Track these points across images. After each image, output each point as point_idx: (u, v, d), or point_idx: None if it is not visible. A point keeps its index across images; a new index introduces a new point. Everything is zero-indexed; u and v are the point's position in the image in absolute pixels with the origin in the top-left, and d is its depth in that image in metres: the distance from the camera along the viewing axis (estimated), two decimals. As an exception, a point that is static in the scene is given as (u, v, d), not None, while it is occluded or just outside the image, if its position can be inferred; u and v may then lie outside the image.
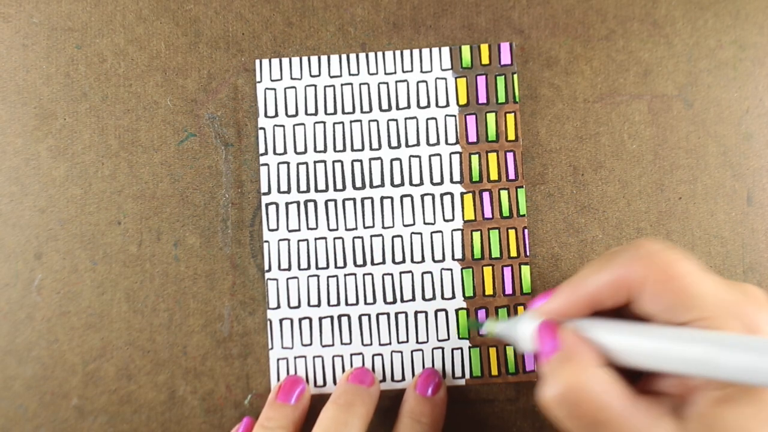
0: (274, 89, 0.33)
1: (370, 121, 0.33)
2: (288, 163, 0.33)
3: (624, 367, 0.24)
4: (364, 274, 0.33)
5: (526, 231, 0.33)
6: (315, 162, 0.33)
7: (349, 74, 0.33)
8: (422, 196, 0.33)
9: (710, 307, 0.22)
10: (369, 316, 0.33)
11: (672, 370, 0.23)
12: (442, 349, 0.33)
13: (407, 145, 0.33)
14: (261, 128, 0.33)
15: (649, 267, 0.23)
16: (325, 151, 0.33)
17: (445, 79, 0.33)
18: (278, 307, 0.33)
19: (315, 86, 0.33)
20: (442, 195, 0.33)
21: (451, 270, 0.33)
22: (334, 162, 0.33)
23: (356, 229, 0.33)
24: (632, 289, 0.24)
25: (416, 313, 0.33)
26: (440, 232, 0.33)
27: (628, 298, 0.24)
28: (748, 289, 0.23)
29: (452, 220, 0.33)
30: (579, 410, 0.23)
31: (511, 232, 0.33)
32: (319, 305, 0.33)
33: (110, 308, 0.33)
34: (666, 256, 0.23)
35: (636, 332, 0.24)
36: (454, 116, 0.33)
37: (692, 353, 0.22)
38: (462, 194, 0.33)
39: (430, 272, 0.33)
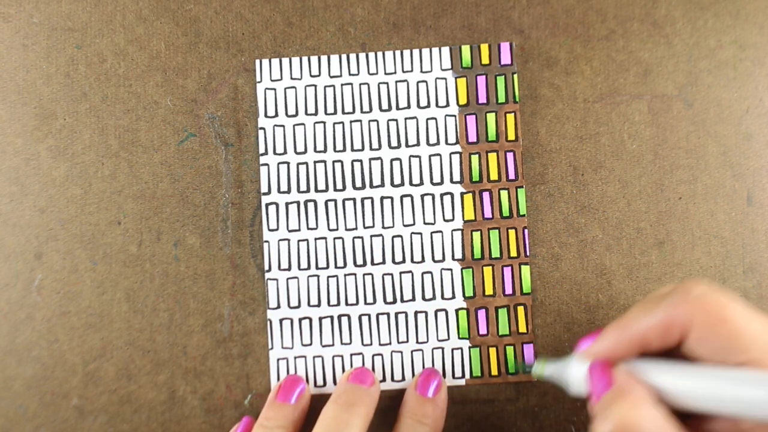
0: (274, 89, 0.33)
1: (370, 121, 0.33)
2: (288, 163, 0.33)
3: (676, 408, 0.24)
4: (364, 274, 0.33)
5: (526, 231, 0.33)
6: (315, 162, 0.33)
7: (349, 74, 0.33)
8: (422, 196, 0.33)
9: (761, 349, 0.23)
10: (369, 316, 0.33)
11: (725, 412, 0.23)
12: (442, 349, 0.33)
13: (407, 145, 0.33)
14: (261, 128, 0.33)
15: (698, 309, 0.24)
16: (325, 151, 0.33)
17: (445, 79, 0.33)
18: (278, 307, 0.33)
19: (315, 86, 0.33)
20: (442, 195, 0.33)
21: (451, 270, 0.33)
22: (334, 162, 0.33)
23: (356, 229, 0.33)
24: (681, 331, 0.24)
25: (416, 313, 0.33)
26: (440, 232, 0.33)
27: (677, 341, 0.24)
28: None
29: (452, 220, 0.33)
30: None
31: (511, 232, 0.33)
32: (319, 305, 0.33)
33: (110, 308, 0.33)
34: (715, 298, 0.24)
35: (688, 373, 0.24)
36: (454, 116, 0.33)
37: (745, 395, 0.22)
38: (462, 194, 0.33)
39: (430, 272, 0.33)
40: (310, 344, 0.33)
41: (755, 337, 0.23)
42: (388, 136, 0.33)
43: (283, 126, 0.33)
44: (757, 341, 0.23)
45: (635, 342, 0.25)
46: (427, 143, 0.33)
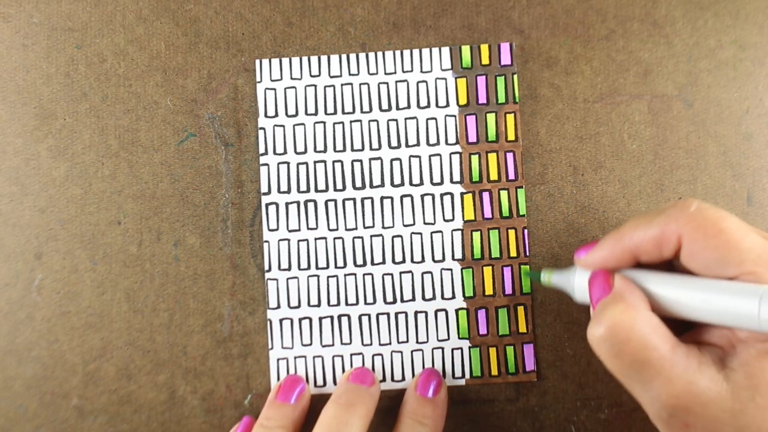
0: (274, 89, 0.33)
1: (370, 121, 0.33)
2: (288, 163, 0.33)
3: (671, 316, 0.25)
4: (364, 274, 0.33)
5: (525, 231, 0.33)
6: (315, 162, 0.33)
7: (349, 74, 0.33)
8: (422, 196, 0.33)
9: (757, 261, 0.23)
10: (369, 316, 0.33)
11: (719, 322, 0.23)
12: (442, 349, 0.33)
13: (407, 145, 0.33)
14: (261, 128, 0.33)
15: (694, 222, 0.24)
16: (325, 151, 0.33)
17: (445, 79, 0.33)
18: (278, 307, 0.33)
19: (315, 86, 0.33)
20: (442, 195, 0.33)
21: (451, 270, 0.33)
22: (334, 162, 0.33)
23: (356, 229, 0.33)
24: (676, 243, 0.24)
25: (416, 313, 0.33)
26: (440, 232, 0.33)
27: (672, 253, 0.25)
28: None
29: (452, 220, 0.33)
30: (624, 348, 0.23)
31: (511, 232, 0.33)
32: (319, 305, 0.33)
33: (110, 308, 0.33)
34: (712, 212, 0.24)
35: (684, 283, 0.24)
36: (454, 116, 0.33)
37: (740, 306, 0.22)
38: (462, 194, 0.33)
39: (430, 272, 0.33)
40: (310, 344, 0.33)
41: (749, 250, 0.23)
42: (388, 136, 0.33)
43: (283, 126, 0.33)
44: (751, 254, 0.23)
45: (630, 252, 0.26)
46: (427, 143, 0.33)
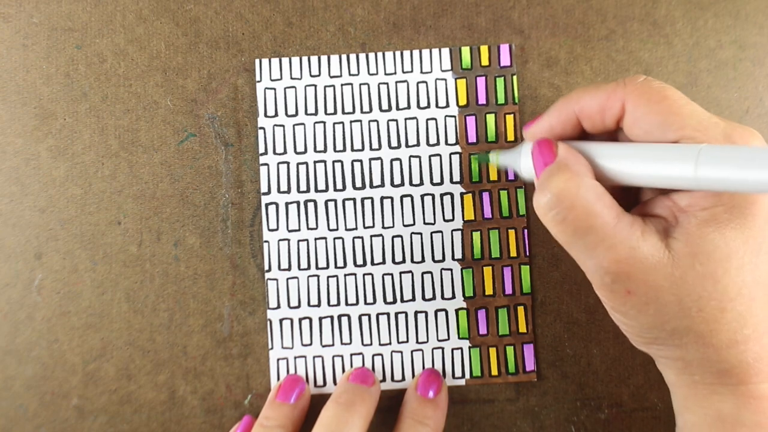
0: (274, 89, 0.33)
1: (370, 121, 0.33)
2: (288, 163, 0.33)
3: (615, 184, 0.25)
4: (364, 274, 0.33)
5: (525, 231, 0.33)
6: (315, 162, 0.33)
7: (349, 74, 0.33)
8: (422, 197, 0.33)
9: (696, 127, 0.23)
10: (369, 316, 0.33)
11: (659, 184, 0.24)
12: (442, 349, 0.33)
13: (407, 146, 0.33)
14: (261, 128, 0.33)
15: (639, 89, 0.24)
16: (325, 151, 0.33)
17: (445, 80, 0.33)
18: (278, 307, 0.33)
19: (315, 86, 0.33)
20: (442, 195, 0.33)
21: (451, 270, 0.33)
22: (334, 162, 0.33)
23: (356, 229, 0.33)
24: (621, 110, 0.25)
25: (416, 313, 0.33)
26: (440, 232, 0.33)
27: (614, 121, 0.25)
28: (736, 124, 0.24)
29: (452, 220, 0.33)
30: (569, 215, 0.24)
31: (511, 233, 0.33)
32: (319, 305, 0.33)
33: (110, 308, 0.33)
34: (658, 83, 0.25)
35: (626, 148, 0.25)
36: (454, 117, 0.33)
37: (678, 164, 0.23)
38: (462, 194, 0.33)
39: (430, 272, 0.33)
40: (310, 344, 0.33)
41: (690, 116, 0.23)
42: (388, 136, 0.33)
43: (283, 126, 0.33)
44: (692, 120, 0.23)
45: (574, 119, 0.26)
46: (427, 144, 0.33)
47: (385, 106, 0.33)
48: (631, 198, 0.28)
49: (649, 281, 0.23)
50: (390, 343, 0.33)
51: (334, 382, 0.33)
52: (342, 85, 0.33)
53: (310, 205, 0.33)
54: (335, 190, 0.33)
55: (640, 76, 0.25)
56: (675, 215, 0.24)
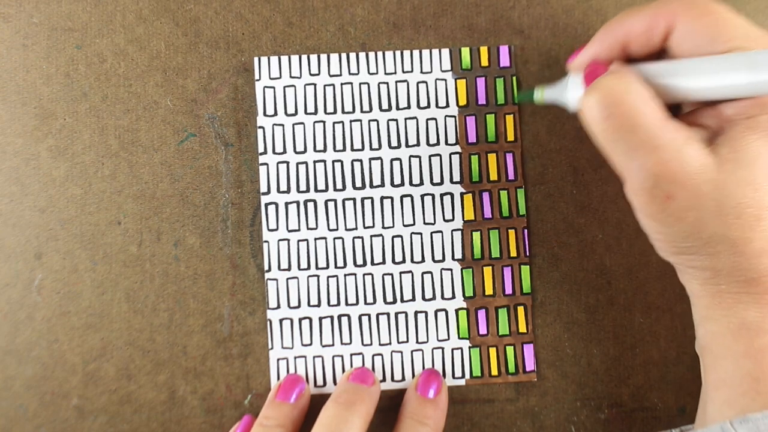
0: (273, 87, 0.33)
1: (370, 120, 0.33)
2: (287, 163, 0.33)
3: (667, 101, 0.25)
4: (364, 274, 0.33)
5: (525, 231, 0.33)
6: (315, 162, 0.33)
7: (349, 73, 0.33)
8: (422, 197, 0.33)
9: (745, 38, 0.24)
10: (369, 316, 0.33)
11: (716, 94, 0.24)
12: (442, 349, 0.33)
13: (407, 146, 0.33)
14: (260, 127, 0.33)
15: (686, 3, 0.25)
16: (324, 150, 0.33)
17: (445, 80, 0.33)
18: (278, 307, 0.33)
19: (314, 85, 0.33)
20: (442, 195, 0.33)
21: (451, 270, 0.33)
22: (334, 162, 0.33)
23: (356, 229, 0.33)
24: (666, 27, 0.25)
25: (416, 313, 0.33)
26: (440, 232, 0.33)
27: (661, 39, 0.26)
28: None
29: (452, 220, 0.33)
30: (615, 111, 0.24)
31: (511, 232, 0.33)
32: (319, 305, 0.33)
33: (110, 308, 0.33)
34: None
35: (677, 64, 0.25)
36: (454, 117, 0.33)
37: (737, 73, 0.23)
38: (462, 194, 0.33)
39: (430, 272, 0.33)
40: (310, 344, 0.33)
41: (738, 27, 0.24)
42: (388, 136, 0.33)
43: (283, 125, 0.33)
44: (740, 30, 0.24)
45: (620, 43, 0.26)
46: (427, 143, 0.33)
47: (385, 106, 0.33)
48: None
49: (690, 185, 0.23)
50: (390, 343, 0.33)
51: (334, 382, 0.33)
52: (342, 84, 0.33)
53: (310, 205, 0.33)
54: (335, 189, 0.33)
55: None
56: (720, 124, 0.25)
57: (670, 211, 0.24)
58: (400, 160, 0.33)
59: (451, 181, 0.33)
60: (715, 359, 0.25)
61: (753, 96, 0.23)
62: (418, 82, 0.33)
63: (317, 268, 0.33)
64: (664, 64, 0.25)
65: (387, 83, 0.33)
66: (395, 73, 0.33)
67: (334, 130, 0.33)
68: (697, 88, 0.24)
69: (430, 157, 0.33)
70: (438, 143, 0.33)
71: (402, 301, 0.33)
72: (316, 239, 0.33)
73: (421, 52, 0.33)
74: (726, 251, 0.24)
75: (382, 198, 0.33)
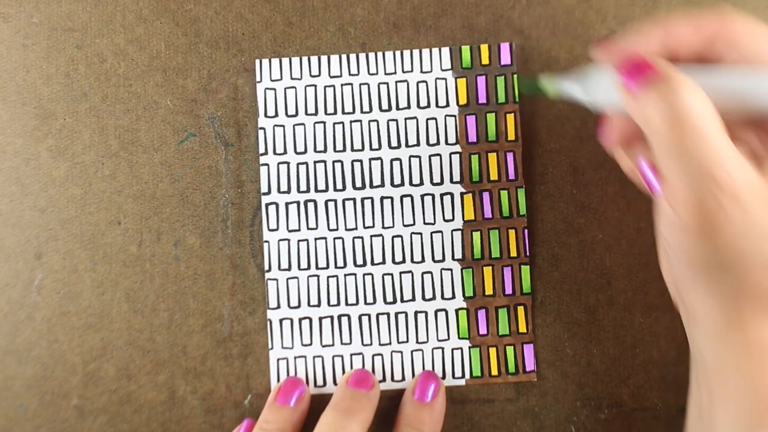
0: (274, 89, 0.33)
1: (370, 121, 0.33)
2: (288, 163, 0.33)
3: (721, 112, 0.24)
4: (364, 274, 0.33)
5: (526, 231, 0.33)
6: (315, 162, 0.33)
7: (349, 74, 0.33)
8: (422, 196, 0.33)
9: None
10: (369, 316, 0.33)
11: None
12: (442, 349, 0.33)
13: (407, 145, 0.33)
14: (261, 128, 0.33)
15: (734, 17, 0.24)
16: (325, 151, 0.33)
17: (445, 79, 0.33)
18: (278, 307, 0.33)
19: (315, 86, 0.33)
20: (442, 195, 0.33)
21: (451, 270, 0.33)
22: (334, 162, 0.33)
23: (356, 229, 0.33)
24: (712, 33, 0.24)
25: (416, 313, 0.33)
26: (440, 232, 0.33)
27: (704, 42, 0.25)
28: None
29: (452, 220, 0.33)
30: (683, 122, 0.23)
31: (511, 232, 0.33)
32: (319, 305, 0.33)
33: (110, 308, 0.33)
34: (751, 19, 0.25)
35: (725, 70, 0.24)
36: (454, 116, 0.33)
37: None
38: (462, 194, 0.33)
39: (430, 272, 0.33)
40: (310, 344, 0.33)
41: None
42: (388, 136, 0.33)
43: (283, 126, 0.33)
44: None
45: (665, 38, 0.25)
46: (427, 143, 0.33)
47: (385, 106, 0.33)
48: None
49: (742, 202, 0.23)
50: (390, 343, 0.33)
51: (334, 382, 0.32)
52: (342, 85, 0.33)
53: (310, 205, 0.33)
54: (335, 190, 0.33)
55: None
56: (765, 150, 0.25)
57: (713, 225, 0.23)
58: (400, 160, 0.33)
59: (451, 181, 0.33)
60: (725, 378, 0.24)
61: None
62: (418, 82, 0.33)
63: (317, 268, 0.33)
64: (713, 68, 0.24)
65: (387, 83, 0.33)
66: (395, 73, 0.33)
67: (334, 131, 0.33)
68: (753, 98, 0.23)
69: (430, 157, 0.33)
70: (438, 143, 0.33)
71: (402, 301, 0.33)
72: (316, 239, 0.33)
73: (421, 52, 0.33)
74: (760, 270, 0.23)
75: (382, 198, 0.33)
